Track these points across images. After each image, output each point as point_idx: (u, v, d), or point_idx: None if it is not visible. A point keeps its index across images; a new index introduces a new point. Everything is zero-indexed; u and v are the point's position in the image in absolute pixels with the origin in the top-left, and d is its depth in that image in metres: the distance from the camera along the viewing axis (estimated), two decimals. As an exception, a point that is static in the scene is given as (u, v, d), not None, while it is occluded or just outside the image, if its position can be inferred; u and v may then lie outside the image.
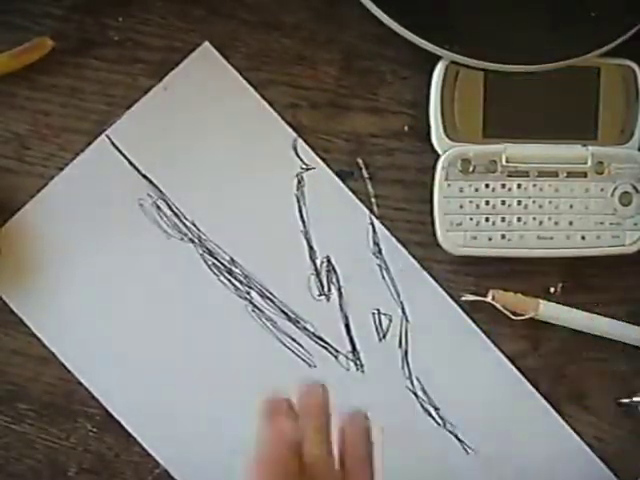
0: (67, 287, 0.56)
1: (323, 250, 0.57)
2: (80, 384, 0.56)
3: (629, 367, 0.60)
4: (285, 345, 0.57)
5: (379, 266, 0.58)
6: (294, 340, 0.57)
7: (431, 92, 0.56)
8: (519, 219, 0.57)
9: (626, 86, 0.57)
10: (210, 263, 0.57)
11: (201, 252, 0.56)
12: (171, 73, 0.56)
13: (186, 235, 0.56)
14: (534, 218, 0.57)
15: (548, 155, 0.57)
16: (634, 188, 0.58)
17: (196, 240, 0.56)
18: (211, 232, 0.57)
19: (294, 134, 0.57)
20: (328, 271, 0.57)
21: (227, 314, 0.57)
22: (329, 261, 0.57)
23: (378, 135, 0.58)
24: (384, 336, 0.58)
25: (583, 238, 0.58)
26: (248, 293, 0.57)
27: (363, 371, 0.58)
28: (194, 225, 0.57)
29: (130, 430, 0.56)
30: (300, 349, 0.57)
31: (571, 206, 0.57)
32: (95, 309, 0.56)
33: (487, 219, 0.57)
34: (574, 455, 0.59)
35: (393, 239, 0.58)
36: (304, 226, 0.57)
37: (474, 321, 0.58)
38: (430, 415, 0.58)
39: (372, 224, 0.58)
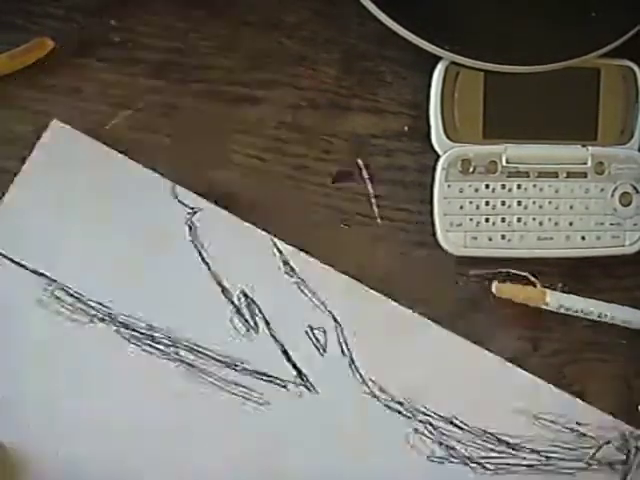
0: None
1: (235, 286, 0.55)
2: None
3: (629, 367, 0.60)
4: (232, 393, 0.55)
5: (296, 284, 0.56)
6: (238, 385, 0.55)
7: (431, 92, 0.56)
8: (519, 220, 0.57)
9: (626, 86, 0.57)
10: (128, 336, 0.54)
11: (115, 328, 0.54)
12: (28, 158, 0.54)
13: (95, 316, 0.54)
14: (534, 219, 0.57)
15: (548, 155, 0.57)
16: (634, 188, 0.58)
17: (107, 318, 0.54)
18: (119, 305, 0.54)
19: (169, 182, 0.55)
20: (248, 304, 0.55)
21: (162, 382, 0.54)
22: (245, 294, 0.55)
23: (378, 135, 0.58)
24: (324, 350, 0.56)
25: (583, 238, 0.58)
26: (177, 353, 0.54)
27: (317, 392, 0.56)
28: (100, 304, 0.54)
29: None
30: (247, 392, 0.55)
31: (571, 207, 0.57)
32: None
33: (487, 219, 0.57)
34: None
35: (300, 252, 0.56)
36: (209, 268, 0.55)
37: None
38: (399, 412, 0.56)
39: (275, 244, 0.55)
